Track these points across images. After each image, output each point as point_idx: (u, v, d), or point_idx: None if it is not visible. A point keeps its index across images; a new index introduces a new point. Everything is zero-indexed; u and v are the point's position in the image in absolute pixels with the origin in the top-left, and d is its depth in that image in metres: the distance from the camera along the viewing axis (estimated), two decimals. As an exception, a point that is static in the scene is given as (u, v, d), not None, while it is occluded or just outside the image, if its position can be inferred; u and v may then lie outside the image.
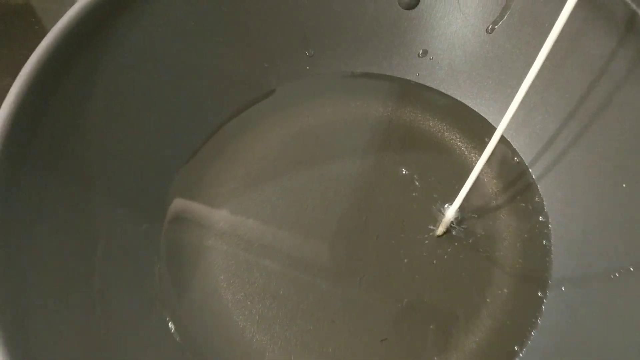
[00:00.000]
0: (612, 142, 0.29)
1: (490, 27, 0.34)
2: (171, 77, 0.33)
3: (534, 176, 0.33)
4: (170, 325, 0.29)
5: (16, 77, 0.28)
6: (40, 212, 0.28)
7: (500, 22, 0.34)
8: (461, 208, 0.31)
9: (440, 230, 0.31)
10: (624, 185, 0.29)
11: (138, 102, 0.32)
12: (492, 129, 0.35)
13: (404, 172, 0.33)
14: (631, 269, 0.27)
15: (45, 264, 0.26)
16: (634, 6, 0.27)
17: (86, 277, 0.27)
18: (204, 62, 0.33)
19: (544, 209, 0.32)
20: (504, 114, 0.28)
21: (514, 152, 0.34)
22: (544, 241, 0.31)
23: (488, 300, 0.30)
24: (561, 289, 0.30)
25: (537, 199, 0.33)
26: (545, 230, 0.32)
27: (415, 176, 0.33)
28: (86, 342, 0.26)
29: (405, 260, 0.31)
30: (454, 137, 0.35)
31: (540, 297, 0.30)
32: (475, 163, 0.32)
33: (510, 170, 0.34)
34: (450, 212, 0.31)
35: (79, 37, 0.29)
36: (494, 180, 0.33)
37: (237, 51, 0.34)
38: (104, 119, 0.31)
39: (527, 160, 0.34)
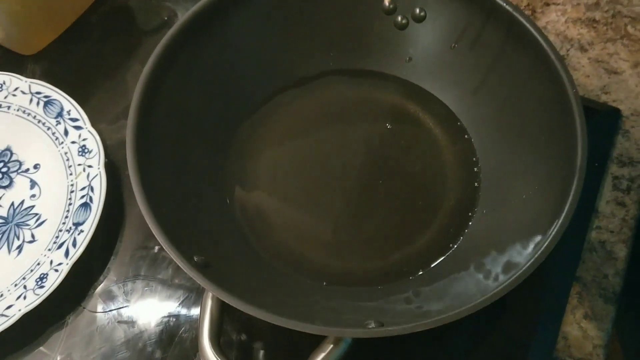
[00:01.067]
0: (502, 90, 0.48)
1: (453, 45, 0.52)
2: (244, 62, 0.51)
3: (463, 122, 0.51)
4: (228, 201, 0.46)
5: (145, 63, 0.46)
6: (159, 136, 0.45)
7: (459, 43, 0.51)
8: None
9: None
10: (511, 115, 0.48)
11: (219, 76, 0.50)
12: (449, 111, 0.52)
13: (388, 127, 0.51)
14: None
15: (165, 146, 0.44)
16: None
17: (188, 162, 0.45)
18: (267, 53, 0.51)
19: (469, 134, 0.50)
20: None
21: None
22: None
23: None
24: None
25: (465, 132, 0.50)
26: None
27: (399, 133, 0.51)
28: (178, 187, 0.43)
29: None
30: (425, 114, 0.52)
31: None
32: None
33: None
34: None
35: (187, 34, 0.47)
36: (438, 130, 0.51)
37: (288, 49, 0.52)
38: (199, 85, 0.49)
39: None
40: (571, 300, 0.47)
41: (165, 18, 0.62)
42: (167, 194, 0.43)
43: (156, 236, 0.39)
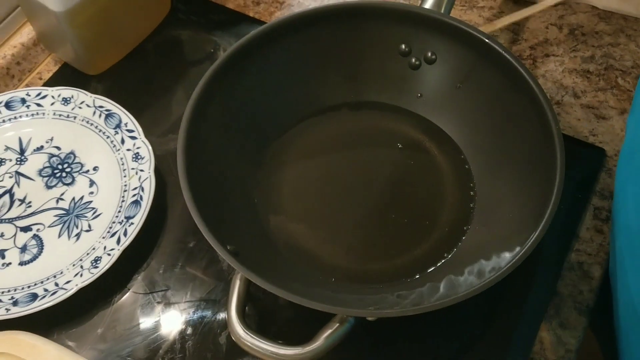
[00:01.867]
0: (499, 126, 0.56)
1: (459, 85, 0.60)
2: (276, 92, 0.60)
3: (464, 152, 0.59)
4: (255, 200, 0.55)
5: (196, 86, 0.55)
6: (203, 148, 0.53)
7: (464, 84, 0.60)
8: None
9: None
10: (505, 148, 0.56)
11: (255, 102, 0.59)
12: (452, 142, 0.60)
13: (398, 153, 0.59)
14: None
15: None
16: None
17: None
18: (296, 85, 0.60)
19: (468, 164, 0.59)
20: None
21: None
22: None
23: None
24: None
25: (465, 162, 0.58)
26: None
27: (407, 158, 0.59)
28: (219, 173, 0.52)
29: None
30: (431, 144, 0.61)
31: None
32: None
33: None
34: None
35: (229, 65, 0.56)
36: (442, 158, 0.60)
37: (314, 82, 0.61)
38: (237, 109, 0.58)
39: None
40: (549, 310, 0.54)
41: (211, 50, 0.71)
42: (208, 194, 0.51)
43: (200, 228, 0.47)
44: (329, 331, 0.45)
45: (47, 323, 0.53)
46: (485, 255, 0.51)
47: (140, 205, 0.56)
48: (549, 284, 0.55)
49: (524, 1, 0.73)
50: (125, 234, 0.55)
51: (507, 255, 0.49)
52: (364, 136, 0.62)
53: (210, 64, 0.68)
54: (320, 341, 0.44)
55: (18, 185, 0.60)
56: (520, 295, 0.54)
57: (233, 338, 0.45)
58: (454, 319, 0.53)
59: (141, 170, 0.59)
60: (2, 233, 0.58)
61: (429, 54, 0.61)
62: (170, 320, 0.54)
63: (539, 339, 0.53)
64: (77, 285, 0.53)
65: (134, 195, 0.57)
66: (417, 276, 0.53)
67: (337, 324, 0.45)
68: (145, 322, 0.54)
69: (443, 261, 0.54)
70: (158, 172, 0.60)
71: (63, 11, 0.60)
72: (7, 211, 0.59)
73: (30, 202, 0.59)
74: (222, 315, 0.54)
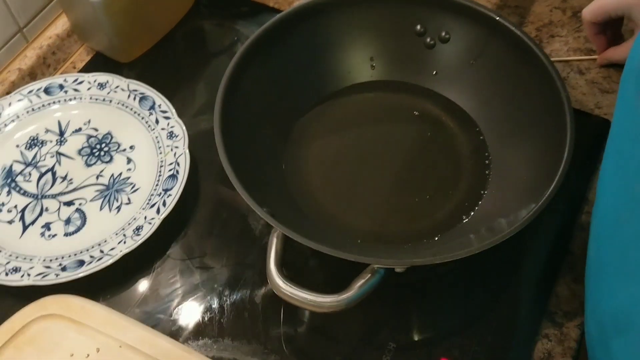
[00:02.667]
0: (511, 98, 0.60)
1: (472, 61, 0.64)
2: (303, 72, 0.64)
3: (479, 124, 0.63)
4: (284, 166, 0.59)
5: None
6: (236, 120, 0.57)
7: (477, 60, 0.64)
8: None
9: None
10: (518, 118, 0.60)
11: (284, 77, 0.63)
12: (467, 115, 0.64)
13: (418, 126, 0.63)
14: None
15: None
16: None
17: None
18: (320, 66, 0.64)
19: (483, 135, 0.63)
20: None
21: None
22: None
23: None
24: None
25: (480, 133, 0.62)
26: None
27: (425, 131, 0.63)
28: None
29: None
30: (447, 117, 0.64)
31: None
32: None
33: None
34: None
35: (260, 42, 0.60)
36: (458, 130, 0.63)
37: (337, 63, 0.65)
38: (267, 86, 0.62)
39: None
40: (564, 267, 0.57)
41: (235, 39, 0.75)
42: (242, 164, 0.55)
43: (239, 191, 0.51)
44: (362, 281, 0.48)
45: (93, 288, 0.57)
46: (502, 215, 0.55)
47: (177, 179, 0.60)
48: (563, 244, 0.59)
49: (528, -13, 0.77)
50: (164, 204, 0.59)
51: (523, 212, 0.52)
52: (384, 112, 0.66)
53: (234, 51, 0.73)
54: (353, 290, 0.48)
55: (59, 164, 0.64)
56: (538, 254, 0.58)
57: (273, 289, 0.49)
58: (477, 274, 0.57)
59: (176, 147, 0.62)
60: (47, 207, 0.61)
61: (443, 34, 0.65)
62: (209, 283, 0.57)
63: (555, 293, 0.56)
64: (121, 251, 0.56)
65: (170, 170, 0.61)
66: (437, 237, 0.57)
67: (369, 274, 0.48)
68: (185, 286, 0.57)
69: (463, 222, 0.57)
70: (190, 151, 0.64)
71: (99, 1, 0.64)
72: (50, 188, 0.63)
73: (71, 179, 0.63)
74: (256, 277, 0.57)
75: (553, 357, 0.53)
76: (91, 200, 0.62)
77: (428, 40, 0.65)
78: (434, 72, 0.66)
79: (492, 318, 0.55)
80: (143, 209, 0.60)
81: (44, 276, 0.55)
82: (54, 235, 0.60)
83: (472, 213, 0.58)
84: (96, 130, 0.66)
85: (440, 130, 0.64)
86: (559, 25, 0.74)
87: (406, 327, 0.55)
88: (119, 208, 0.61)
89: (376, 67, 0.67)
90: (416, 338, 0.55)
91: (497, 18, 0.61)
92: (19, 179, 0.63)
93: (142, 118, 0.65)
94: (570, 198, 0.61)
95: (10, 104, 0.66)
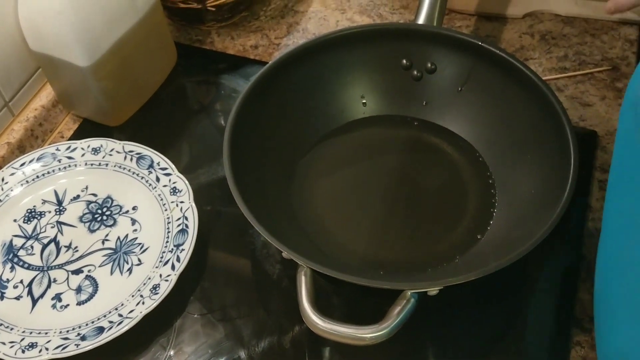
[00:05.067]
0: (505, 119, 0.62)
1: (460, 88, 0.66)
2: (298, 111, 0.65)
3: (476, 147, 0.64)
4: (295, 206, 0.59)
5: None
6: (246, 168, 0.57)
7: (464, 87, 0.66)
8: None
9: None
10: (514, 136, 0.61)
11: (282, 122, 0.64)
12: (462, 140, 0.66)
13: (416, 155, 0.64)
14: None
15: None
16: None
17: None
18: (315, 104, 0.65)
19: (482, 156, 0.64)
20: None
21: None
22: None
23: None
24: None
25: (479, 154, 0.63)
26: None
27: (424, 159, 0.64)
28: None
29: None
30: (443, 144, 0.66)
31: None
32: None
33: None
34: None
35: (266, 80, 0.61)
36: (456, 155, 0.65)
37: (330, 102, 0.67)
38: (267, 130, 0.62)
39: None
40: (582, 274, 0.58)
41: (221, 92, 0.76)
42: (258, 206, 0.55)
43: (264, 235, 0.51)
44: (399, 308, 0.48)
45: (115, 353, 0.55)
46: (517, 228, 0.56)
47: (187, 233, 0.59)
48: (576, 250, 0.60)
49: (495, 17, 0.81)
50: (178, 259, 0.58)
51: (538, 222, 0.53)
52: (382, 145, 0.67)
53: (222, 105, 0.74)
54: (392, 318, 0.47)
55: (61, 233, 0.62)
56: (554, 262, 0.59)
57: (310, 327, 0.48)
58: (495, 291, 0.57)
59: (181, 202, 0.62)
60: (55, 279, 0.59)
61: (429, 65, 0.67)
62: (233, 335, 0.56)
63: (578, 300, 0.57)
64: (141, 312, 0.55)
65: (179, 225, 0.60)
66: (457, 259, 0.58)
67: (404, 301, 0.48)
68: (210, 340, 0.56)
69: (479, 241, 0.58)
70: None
71: (88, 65, 0.64)
72: (55, 258, 0.61)
73: (76, 247, 0.61)
74: (282, 321, 0.56)
75: (589, 363, 0.53)
76: (100, 266, 0.60)
77: (415, 72, 0.67)
78: (424, 103, 0.68)
79: (522, 332, 0.55)
80: (156, 267, 0.58)
81: (63, 348, 0.53)
82: (67, 306, 0.58)
83: (486, 232, 0.59)
84: (95, 195, 0.65)
85: (439, 157, 0.66)
86: (530, 48, 0.78)
87: (441, 350, 0.55)
88: (130, 270, 0.59)
89: (368, 104, 0.68)
90: (452, 362, 0.55)
91: (480, 43, 0.63)
92: (21, 253, 0.61)
93: (142, 178, 0.65)
94: (575, 207, 0.62)
95: (3, 179, 0.65)
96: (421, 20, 0.66)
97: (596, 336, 0.45)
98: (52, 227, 0.63)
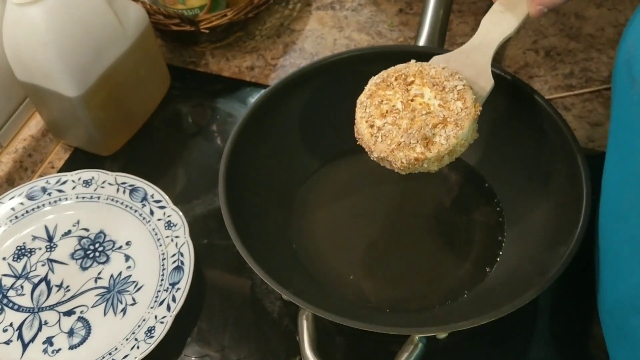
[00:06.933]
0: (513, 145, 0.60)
1: (464, 112, 0.63)
2: (295, 145, 0.62)
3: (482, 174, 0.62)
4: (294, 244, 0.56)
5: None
6: (245, 175, 0.55)
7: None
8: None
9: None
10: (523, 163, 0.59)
11: (279, 151, 0.61)
12: (469, 167, 0.63)
13: (420, 184, 0.62)
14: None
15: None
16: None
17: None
18: (318, 126, 0.63)
19: (488, 183, 0.62)
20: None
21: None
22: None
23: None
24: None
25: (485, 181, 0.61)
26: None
27: (427, 187, 0.62)
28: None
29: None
30: (448, 171, 0.63)
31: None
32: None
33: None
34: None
35: (261, 108, 0.59)
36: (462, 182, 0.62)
37: (324, 133, 0.64)
38: (264, 160, 0.60)
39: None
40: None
41: (217, 116, 0.73)
42: (255, 245, 0.52)
43: (260, 276, 0.49)
44: (406, 354, 0.46)
45: (109, 402, 0.52)
46: (528, 260, 0.53)
47: (182, 270, 0.57)
48: (587, 283, 0.57)
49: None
50: (173, 299, 0.55)
51: (552, 255, 0.51)
52: (384, 172, 0.64)
53: (217, 130, 0.71)
54: (400, 365, 0.45)
55: (52, 271, 0.60)
56: (565, 297, 0.57)
57: (314, 376, 0.46)
58: (507, 328, 0.55)
59: (176, 237, 0.59)
60: (46, 321, 0.57)
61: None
62: (234, 378, 0.54)
63: (591, 334, 0.55)
64: (135, 357, 0.52)
65: (174, 261, 0.58)
66: (465, 294, 0.55)
67: (412, 346, 0.46)
68: (209, 384, 0.54)
69: (488, 274, 0.56)
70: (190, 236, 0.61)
71: (78, 96, 0.61)
72: (47, 299, 0.58)
73: (68, 286, 0.59)
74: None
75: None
76: (93, 306, 0.58)
77: (417, 97, 0.65)
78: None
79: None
80: (152, 307, 0.56)
81: (55, 397, 0.51)
82: (58, 350, 0.55)
83: (495, 264, 0.56)
84: (87, 230, 0.62)
85: (443, 185, 0.63)
86: (535, 65, 0.75)
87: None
88: (124, 310, 0.57)
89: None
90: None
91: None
92: (11, 293, 0.59)
93: (135, 211, 0.62)
94: (588, 228, 0.60)
95: (-9, 215, 0.62)
96: (422, 41, 0.63)
97: (600, 286, 0.47)
98: (42, 265, 0.61)
